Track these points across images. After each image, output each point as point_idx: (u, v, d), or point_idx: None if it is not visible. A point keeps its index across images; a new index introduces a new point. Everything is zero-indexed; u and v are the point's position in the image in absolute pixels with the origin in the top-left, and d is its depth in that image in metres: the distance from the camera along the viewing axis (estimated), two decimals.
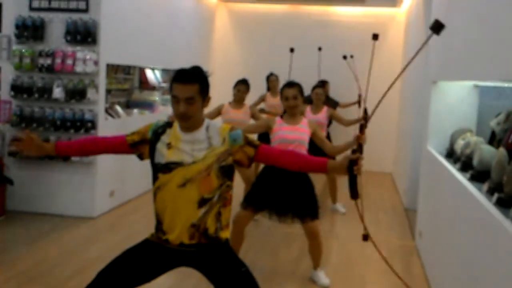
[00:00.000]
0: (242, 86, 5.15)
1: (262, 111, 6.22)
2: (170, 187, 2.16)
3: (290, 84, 3.63)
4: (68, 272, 3.73)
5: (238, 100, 5.12)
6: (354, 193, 2.15)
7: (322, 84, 6.53)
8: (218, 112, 5.06)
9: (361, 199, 2.24)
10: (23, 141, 2.26)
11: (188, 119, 2.15)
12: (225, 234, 2.26)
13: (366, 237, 2.69)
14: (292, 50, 7.11)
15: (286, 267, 4.09)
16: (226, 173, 2.20)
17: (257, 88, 7.00)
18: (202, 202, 2.15)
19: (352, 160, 2.09)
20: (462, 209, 2.93)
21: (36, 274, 3.66)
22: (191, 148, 2.17)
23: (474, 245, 2.58)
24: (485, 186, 2.68)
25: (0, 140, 4.92)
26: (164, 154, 2.19)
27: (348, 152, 2.25)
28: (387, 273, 4.07)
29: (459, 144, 3.62)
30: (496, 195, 2.42)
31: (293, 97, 3.57)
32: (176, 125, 2.24)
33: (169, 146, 2.19)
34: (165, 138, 2.22)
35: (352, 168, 2.09)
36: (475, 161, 3.07)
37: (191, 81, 2.13)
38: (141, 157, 2.30)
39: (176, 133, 2.21)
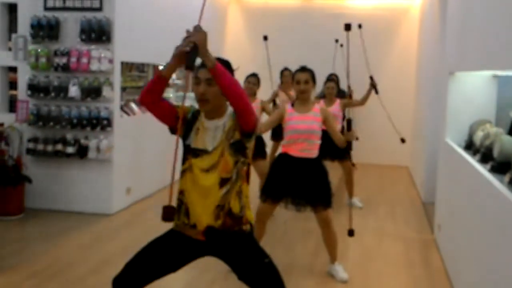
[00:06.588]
0: (253, 78, 5.16)
1: (275, 106, 6.20)
2: (195, 171, 2.19)
3: (303, 69, 3.64)
4: (87, 268, 3.77)
5: (249, 93, 5.12)
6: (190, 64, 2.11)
7: (331, 77, 6.52)
8: None
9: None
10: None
11: (206, 102, 2.17)
12: (250, 214, 2.28)
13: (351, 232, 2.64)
14: (265, 38, 6.63)
15: (304, 262, 4.07)
16: (238, 149, 2.21)
17: (271, 84, 6.98)
18: (222, 182, 2.18)
19: None
20: (482, 200, 2.88)
21: (55, 271, 3.70)
22: (212, 136, 2.21)
23: (496, 237, 2.53)
24: (507, 177, 2.63)
25: (18, 139, 4.98)
26: (193, 139, 2.23)
27: None
28: (406, 267, 4.04)
29: (478, 135, 3.56)
30: None
31: (305, 81, 3.57)
32: (202, 113, 2.27)
33: (197, 131, 2.24)
34: (197, 123, 2.26)
35: None
36: (495, 152, 3.02)
37: None
38: (173, 130, 2.29)
39: (202, 120, 2.25)
